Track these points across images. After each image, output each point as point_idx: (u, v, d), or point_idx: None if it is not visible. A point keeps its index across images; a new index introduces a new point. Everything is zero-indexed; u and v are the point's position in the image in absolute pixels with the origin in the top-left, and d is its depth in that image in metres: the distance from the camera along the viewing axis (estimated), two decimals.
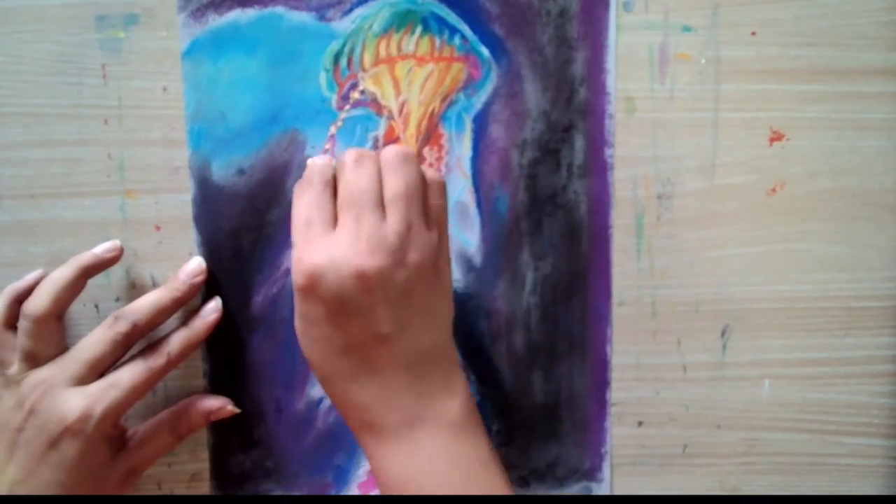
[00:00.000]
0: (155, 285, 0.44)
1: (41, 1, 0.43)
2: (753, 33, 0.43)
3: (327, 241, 0.35)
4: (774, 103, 0.43)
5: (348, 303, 0.35)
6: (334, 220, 0.36)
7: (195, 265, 0.42)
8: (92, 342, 0.40)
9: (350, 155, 0.36)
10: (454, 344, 0.39)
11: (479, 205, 0.43)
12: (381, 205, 0.36)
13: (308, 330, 0.36)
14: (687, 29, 0.43)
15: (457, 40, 0.43)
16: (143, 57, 0.43)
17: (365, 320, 0.35)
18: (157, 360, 0.40)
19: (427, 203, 0.37)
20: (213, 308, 0.43)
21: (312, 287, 0.35)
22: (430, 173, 0.38)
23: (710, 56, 0.43)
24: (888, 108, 0.43)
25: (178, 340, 0.41)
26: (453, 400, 0.37)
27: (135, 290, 0.44)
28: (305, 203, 0.36)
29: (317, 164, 0.37)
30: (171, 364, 0.41)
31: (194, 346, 0.42)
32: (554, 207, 0.43)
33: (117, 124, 0.43)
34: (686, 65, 0.43)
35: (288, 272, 0.44)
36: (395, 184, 0.36)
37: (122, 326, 0.40)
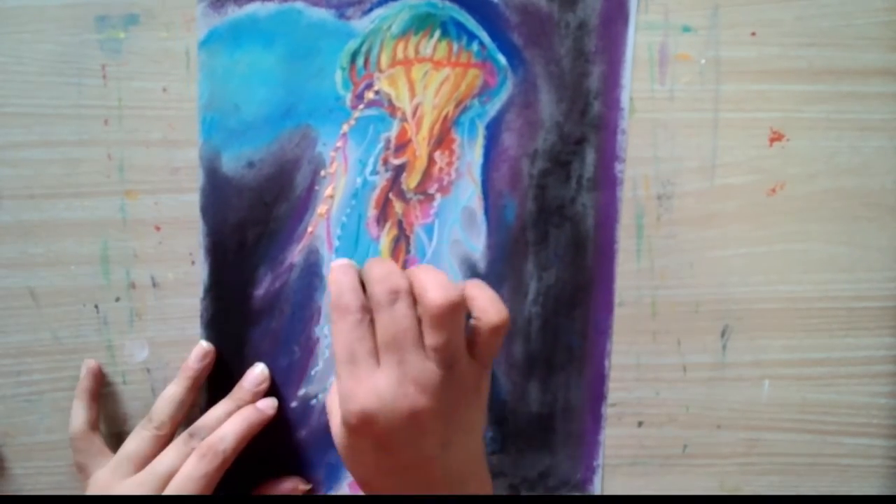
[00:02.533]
0: (155, 285, 0.44)
1: (41, 1, 0.43)
2: (753, 33, 0.43)
3: (374, 382, 0.35)
4: (774, 103, 0.43)
5: (400, 438, 0.35)
6: (376, 350, 0.36)
7: (259, 372, 0.43)
8: (169, 461, 0.41)
9: (382, 291, 0.35)
10: (484, 445, 0.39)
11: (486, 212, 0.43)
12: (420, 343, 0.35)
13: (354, 456, 0.37)
14: (687, 29, 0.43)
15: (475, 46, 0.43)
16: (143, 57, 0.43)
17: (414, 449, 0.36)
18: (214, 461, 0.41)
19: (476, 340, 0.36)
20: (269, 405, 0.43)
21: (363, 426, 0.35)
22: (490, 315, 0.36)
23: (710, 56, 0.43)
24: (888, 108, 0.43)
25: (232, 438, 0.42)
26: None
27: (135, 289, 0.44)
28: (345, 334, 0.36)
29: (344, 285, 0.36)
30: (228, 462, 0.41)
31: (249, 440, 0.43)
32: (561, 219, 0.43)
33: (117, 124, 0.43)
34: (686, 65, 0.43)
35: (291, 267, 0.44)
36: (436, 338, 0.35)
37: (197, 443, 0.41)
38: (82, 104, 0.43)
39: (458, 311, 0.35)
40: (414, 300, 0.35)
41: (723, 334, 0.44)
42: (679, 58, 0.43)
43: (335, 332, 0.36)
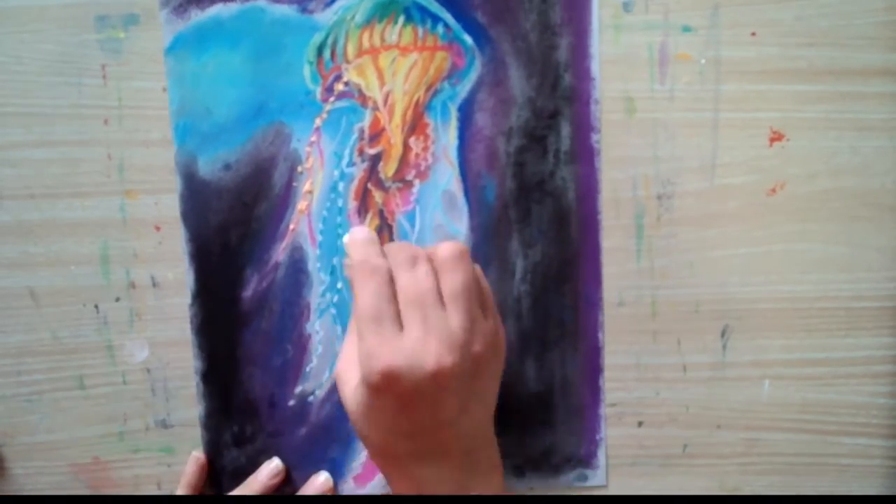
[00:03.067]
0: (155, 285, 0.44)
1: (41, 1, 0.43)
2: (753, 33, 0.43)
3: (399, 342, 0.36)
4: (774, 103, 0.43)
5: (422, 398, 0.36)
6: (398, 314, 0.37)
7: (275, 466, 0.44)
8: None
9: (402, 256, 0.37)
10: (493, 424, 0.40)
11: (466, 194, 0.43)
12: (441, 301, 0.37)
13: (371, 417, 0.38)
14: (687, 29, 0.43)
15: (440, 29, 0.43)
16: (143, 57, 0.43)
17: (432, 409, 0.37)
18: None
19: (479, 292, 0.39)
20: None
21: (387, 386, 0.36)
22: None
23: (710, 56, 0.43)
24: (888, 108, 0.43)
25: None
26: (496, 474, 0.40)
27: (135, 289, 0.44)
28: (371, 296, 0.36)
29: (371, 248, 0.38)
30: None
31: None
32: (542, 194, 0.43)
33: (117, 124, 0.43)
34: (686, 65, 0.43)
35: (276, 266, 0.44)
36: (453, 282, 0.37)
37: None
38: (82, 104, 0.43)
39: (466, 255, 0.38)
40: (432, 268, 0.37)
41: (723, 334, 0.44)
42: (679, 58, 0.43)
43: (361, 292, 0.37)
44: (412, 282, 0.36)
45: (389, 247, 0.38)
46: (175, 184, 0.43)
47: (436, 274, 0.37)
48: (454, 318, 0.36)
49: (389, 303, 0.36)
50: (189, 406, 0.45)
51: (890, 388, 0.45)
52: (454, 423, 0.37)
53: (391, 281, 0.37)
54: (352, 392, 0.38)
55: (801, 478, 0.45)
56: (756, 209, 0.44)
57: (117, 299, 0.44)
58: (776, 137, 0.43)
